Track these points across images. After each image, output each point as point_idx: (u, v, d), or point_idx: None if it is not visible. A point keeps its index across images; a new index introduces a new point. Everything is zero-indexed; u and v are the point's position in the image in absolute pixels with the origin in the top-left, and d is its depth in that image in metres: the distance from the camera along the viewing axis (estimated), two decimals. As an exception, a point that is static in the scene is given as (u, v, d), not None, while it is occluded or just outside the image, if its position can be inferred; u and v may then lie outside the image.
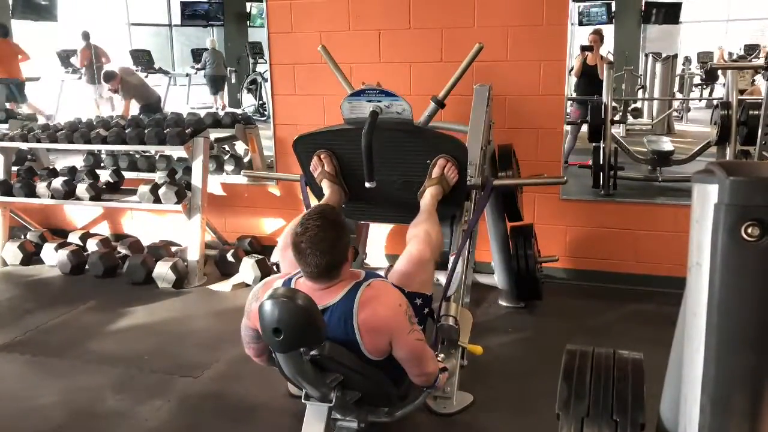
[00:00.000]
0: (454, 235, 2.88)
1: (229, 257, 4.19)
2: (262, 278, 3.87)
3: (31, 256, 4.55)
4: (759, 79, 7.27)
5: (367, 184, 2.61)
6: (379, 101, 2.54)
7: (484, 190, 2.89)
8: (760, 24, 10.45)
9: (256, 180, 4.52)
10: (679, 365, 1.08)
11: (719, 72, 8.85)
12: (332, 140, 2.78)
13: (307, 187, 3.00)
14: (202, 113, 5.00)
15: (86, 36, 8.84)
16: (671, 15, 9.91)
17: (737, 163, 0.98)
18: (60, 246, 4.44)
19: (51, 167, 4.91)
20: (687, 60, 10.05)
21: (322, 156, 2.78)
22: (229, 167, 4.61)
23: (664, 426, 1.20)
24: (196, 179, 4.10)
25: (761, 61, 6.25)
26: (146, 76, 8.85)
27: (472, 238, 2.89)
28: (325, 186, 2.79)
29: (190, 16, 11.40)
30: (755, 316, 0.94)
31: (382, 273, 2.41)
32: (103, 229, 4.97)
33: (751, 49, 9.94)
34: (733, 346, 0.95)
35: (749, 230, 0.90)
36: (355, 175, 2.72)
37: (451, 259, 2.75)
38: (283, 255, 2.47)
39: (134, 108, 7.34)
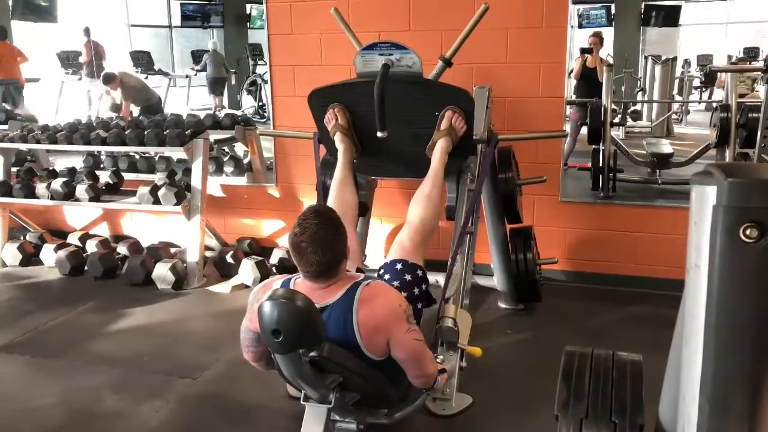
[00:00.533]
0: (460, 192, 2.97)
1: (229, 258, 4.19)
2: (261, 280, 3.87)
3: (31, 257, 4.55)
4: (759, 85, 7.26)
5: (378, 134, 2.72)
6: (391, 54, 2.68)
7: (489, 145, 3.00)
8: (759, 27, 10.46)
9: (255, 181, 4.52)
10: (677, 366, 1.08)
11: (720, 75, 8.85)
12: (346, 93, 2.90)
13: (320, 146, 3.11)
14: (202, 115, 5.00)
15: (87, 32, 8.86)
16: (671, 18, 9.91)
17: (736, 165, 0.99)
18: (59, 247, 4.44)
19: (50, 168, 4.91)
20: (686, 63, 10.05)
21: (336, 110, 2.90)
22: (228, 169, 4.62)
23: (663, 427, 1.21)
24: (195, 180, 4.11)
25: (760, 64, 6.26)
26: (146, 78, 8.86)
27: (471, 240, 2.90)
28: (338, 139, 2.90)
29: (190, 17, 11.40)
30: (753, 317, 0.94)
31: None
32: (103, 230, 4.97)
33: (751, 52, 9.95)
34: (731, 347, 0.95)
35: (747, 232, 0.90)
36: (367, 128, 2.83)
37: (450, 261, 2.76)
38: None
39: (135, 110, 7.35)
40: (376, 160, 3.09)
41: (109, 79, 7.28)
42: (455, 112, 2.76)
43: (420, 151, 2.84)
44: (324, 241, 1.97)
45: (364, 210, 3.31)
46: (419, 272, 2.50)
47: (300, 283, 2.09)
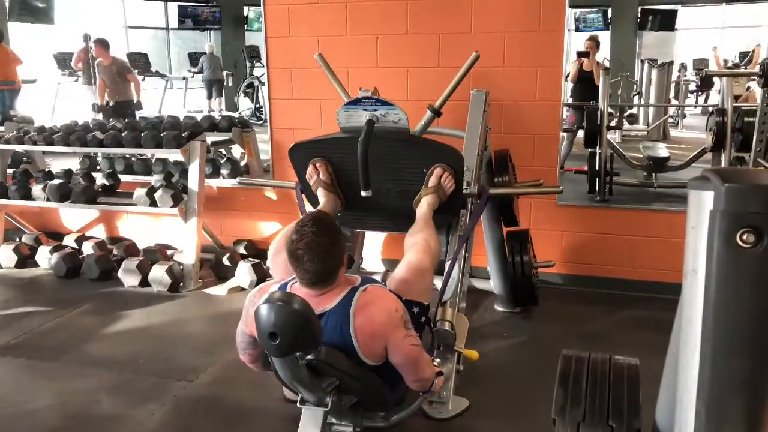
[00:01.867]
0: (450, 244, 2.87)
1: (225, 261, 4.18)
2: (258, 282, 3.86)
3: (26, 259, 4.53)
4: (754, 85, 7.28)
5: (363, 193, 2.62)
6: (375, 110, 2.54)
7: (480, 199, 2.90)
8: (755, 31, 10.50)
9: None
10: (674, 371, 1.08)
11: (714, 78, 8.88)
12: (328, 148, 2.79)
13: (303, 195, 3.00)
14: (199, 117, 5.00)
15: (86, 38, 8.83)
16: (667, 22, 9.95)
17: (732, 170, 0.99)
18: (55, 249, 4.42)
19: (47, 170, 4.90)
20: (682, 66, 10.09)
21: (317, 164, 2.78)
22: (225, 171, 4.60)
23: (660, 431, 1.21)
24: (192, 183, 4.10)
25: (755, 69, 6.27)
26: (143, 79, 8.83)
27: (468, 243, 2.89)
28: (321, 194, 2.79)
29: (187, 20, 11.40)
30: (750, 322, 0.94)
31: (377, 278, 2.42)
32: (99, 232, 4.96)
33: (746, 56, 9.99)
34: (728, 351, 0.96)
35: (744, 237, 0.91)
36: (351, 183, 2.72)
37: (447, 264, 2.75)
38: (274, 261, 2.48)
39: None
40: (361, 214, 2.98)
41: (103, 44, 7.05)
42: (444, 169, 2.65)
43: (407, 205, 2.73)
44: (320, 250, 1.97)
45: (350, 263, 3.24)
46: (415, 309, 2.35)
47: (297, 287, 2.09)
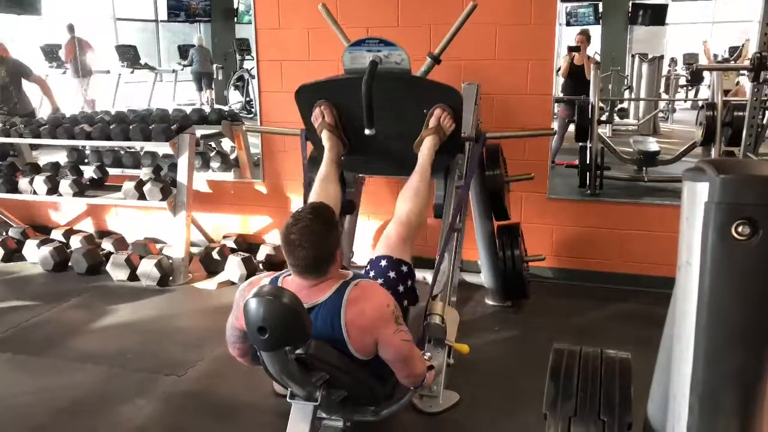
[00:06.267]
0: (448, 189, 2.96)
1: (215, 255, 4.15)
2: (248, 276, 3.84)
3: (13, 253, 4.49)
4: (743, 80, 7.32)
5: (366, 131, 2.71)
6: (379, 50, 2.66)
7: (477, 142, 3.00)
8: (744, 26, 10.54)
9: (242, 177, 4.49)
10: (667, 364, 1.07)
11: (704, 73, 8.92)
12: (333, 90, 2.87)
13: (307, 142, 3.07)
14: (188, 110, 4.95)
15: (71, 29, 8.74)
16: (657, 16, 9.97)
17: (728, 161, 0.98)
18: (43, 243, 4.38)
19: (34, 163, 4.85)
20: (673, 61, 10.12)
21: (322, 107, 2.87)
22: (215, 164, 4.57)
23: (652, 425, 1.20)
24: (181, 176, 4.07)
25: (746, 63, 6.29)
26: (132, 72, 8.76)
27: (459, 237, 2.89)
28: (325, 137, 2.87)
29: (178, 12, 11.29)
30: (745, 315, 0.93)
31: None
32: (87, 226, 4.92)
33: (736, 51, 10.03)
34: (722, 345, 0.95)
35: (739, 229, 0.90)
36: (355, 126, 2.81)
37: (437, 258, 2.75)
38: None
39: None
40: (363, 158, 3.07)
41: None
42: (444, 110, 2.74)
43: (408, 148, 2.82)
44: (315, 236, 1.96)
45: (351, 208, 3.29)
46: (404, 268, 2.46)
47: (289, 281, 2.07)
